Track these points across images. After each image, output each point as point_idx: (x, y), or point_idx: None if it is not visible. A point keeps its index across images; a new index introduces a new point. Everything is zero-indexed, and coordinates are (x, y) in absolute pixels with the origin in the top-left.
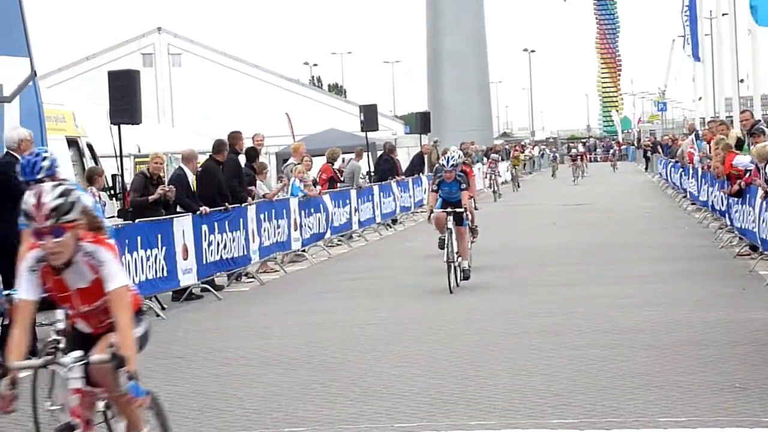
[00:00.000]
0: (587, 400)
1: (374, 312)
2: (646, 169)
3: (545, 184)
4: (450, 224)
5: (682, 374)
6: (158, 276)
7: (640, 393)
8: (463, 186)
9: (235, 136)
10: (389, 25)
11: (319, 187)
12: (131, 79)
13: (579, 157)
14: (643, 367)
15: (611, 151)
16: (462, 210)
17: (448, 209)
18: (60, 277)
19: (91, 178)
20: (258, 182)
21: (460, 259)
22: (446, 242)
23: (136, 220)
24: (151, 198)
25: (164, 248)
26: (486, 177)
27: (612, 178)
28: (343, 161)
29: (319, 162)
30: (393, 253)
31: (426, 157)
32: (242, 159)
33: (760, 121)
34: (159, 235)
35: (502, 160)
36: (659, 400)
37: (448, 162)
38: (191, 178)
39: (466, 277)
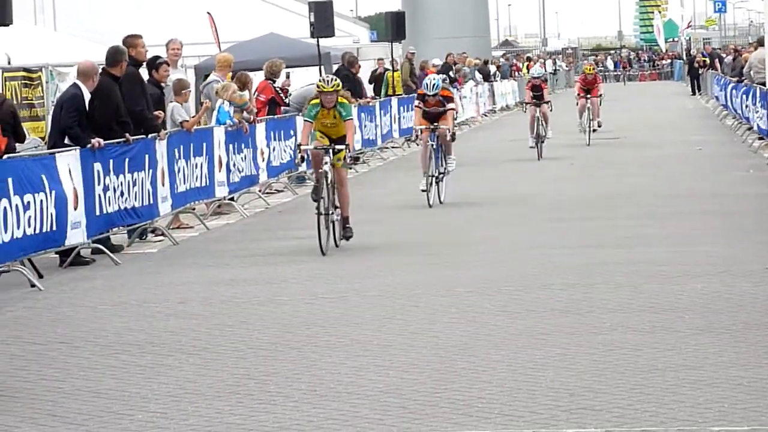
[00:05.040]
0: (615, 402)
1: (326, 281)
2: (694, 91)
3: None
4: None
5: (745, 368)
6: (36, 232)
7: (687, 393)
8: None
9: (131, 41)
10: None
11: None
12: None
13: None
14: (691, 358)
15: (578, 74)
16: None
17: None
18: None
19: None
20: (175, 106)
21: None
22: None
23: (5, 156)
24: None
25: (53, 192)
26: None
27: (650, 102)
28: (288, 77)
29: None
30: (354, 203)
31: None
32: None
33: None
34: (43, 176)
35: (503, 78)
36: (713, 403)
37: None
38: (88, 101)
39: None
